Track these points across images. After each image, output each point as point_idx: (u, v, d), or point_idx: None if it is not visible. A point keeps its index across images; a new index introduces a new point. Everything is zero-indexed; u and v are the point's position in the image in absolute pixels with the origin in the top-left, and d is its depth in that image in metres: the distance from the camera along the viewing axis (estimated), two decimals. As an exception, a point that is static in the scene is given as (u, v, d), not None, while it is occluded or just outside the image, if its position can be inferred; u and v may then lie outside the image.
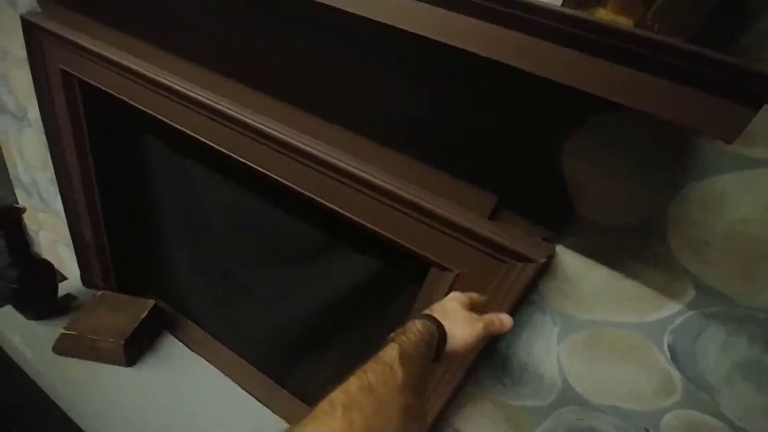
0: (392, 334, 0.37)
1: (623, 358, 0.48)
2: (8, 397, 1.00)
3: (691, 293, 0.41)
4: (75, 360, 0.94)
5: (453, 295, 0.44)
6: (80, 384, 0.91)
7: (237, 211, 0.85)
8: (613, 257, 0.44)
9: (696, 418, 0.47)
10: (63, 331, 0.92)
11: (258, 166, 0.60)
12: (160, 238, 1.00)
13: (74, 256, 1.06)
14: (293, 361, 0.97)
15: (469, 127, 0.43)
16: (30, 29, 0.74)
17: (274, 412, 0.96)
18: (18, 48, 0.89)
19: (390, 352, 0.32)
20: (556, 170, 0.42)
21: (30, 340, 0.95)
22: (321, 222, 0.73)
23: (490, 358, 0.57)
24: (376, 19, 0.31)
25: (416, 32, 0.30)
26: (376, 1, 0.31)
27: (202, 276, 1.00)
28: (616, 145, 0.39)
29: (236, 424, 0.91)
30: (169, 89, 0.63)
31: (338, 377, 0.29)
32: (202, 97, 0.60)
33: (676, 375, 0.46)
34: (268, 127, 0.55)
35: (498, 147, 0.43)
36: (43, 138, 0.97)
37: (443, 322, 0.40)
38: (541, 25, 0.25)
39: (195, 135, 0.66)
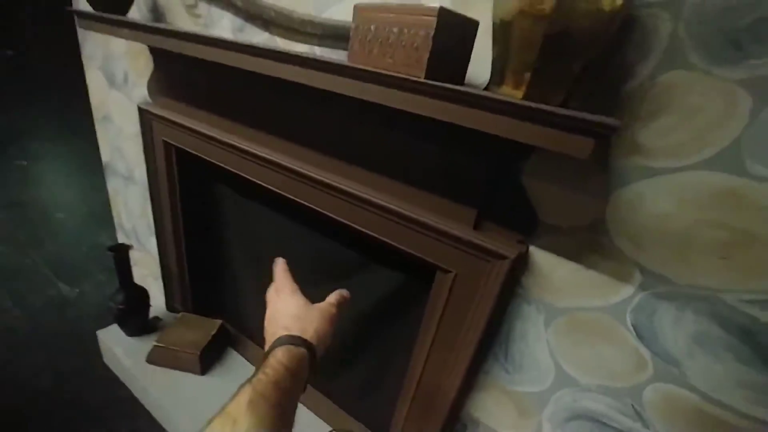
0: (253, 373, 0.37)
1: (600, 339, 0.57)
2: (103, 400, 1.22)
3: (638, 278, 0.52)
4: (162, 368, 1.15)
5: (287, 288, 0.50)
6: (165, 388, 1.11)
7: (287, 241, 1.04)
8: (573, 252, 0.55)
9: (671, 391, 0.54)
10: (155, 344, 1.14)
11: (304, 201, 0.79)
12: (227, 269, 1.23)
13: (160, 286, 1.31)
14: (334, 370, 1.11)
15: (455, 164, 0.58)
16: (143, 114, 1.02)
17: (316, 415, 1.09)
18: (129, 127, 1.20)
19: (239, 400, 0.33)
20: (519, 188, 0.56)
21: (129, 352, 1.19)
22: (353, 244, 0.90)
23: (493, 347, 0.68)
24: (388, 104, 0.49)
25: (412, 111, 0.46)
26: (381, 91, 0.49)
27: (258, 299, 1.20)
28: (559, 166, 0.53)
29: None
30: (238, 149, 0.86)
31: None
32: (263, 153, 0.81)
33: (645, 351, 0.54)
34: (309, 172, 0.74)
35: (475, 175, 0.58)
36: (144, 193, 1.26)
37: (305, 335, 0.42)
38: (481, 102, 0.41)
39: (258, 182, 0.87)
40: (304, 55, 0.51)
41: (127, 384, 1.23)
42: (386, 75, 0.43)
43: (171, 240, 1.19)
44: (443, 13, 0.40)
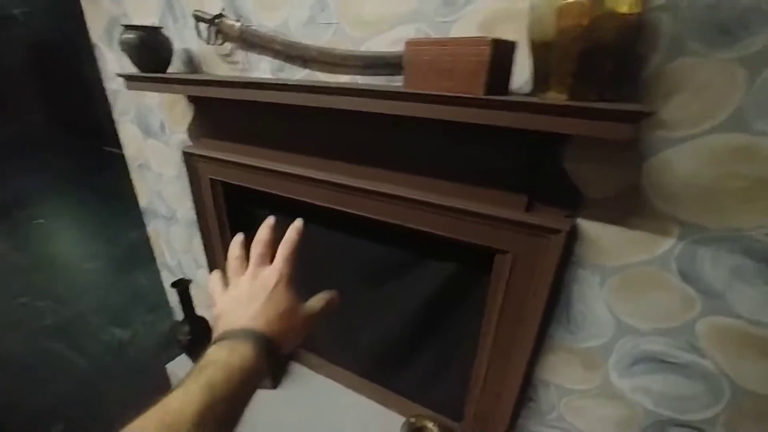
0: (211, 356, 0.35)
1: (651, 288, 0.67)
2: None
3: (677, 230, 0.61)
4: (235, 390, 1.23)
5: (285, 279, 0.45)
6: (244, 406, 1.19)
7: (336, 254, 1.13)
8: (617, 218, 0.65)
9: (719, 321, 0.64)
10: (226, 367, 1.22)
11: (359, 212, 0.88)
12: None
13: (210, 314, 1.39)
14: (393, 365, 1.20)
15: (504, 159, 0.68)
16: (188, 156, 1.11)
17: (386, 407, 1.18)
18: (169, 171, 1.29)
19: (189, 408, 0.30)
20: (561, 170, 0.66)
21: (202, 379, 1.26)
22: (404, 246, 0.99)
23: (555, 313, 0.77)
24: (442, 118, 0.58)
25: (479, 122, 0.55)
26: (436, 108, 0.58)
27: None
28: (596, 147, 0.62)
29: (357, 420, 1.14)
30: (285, 174, 0.94)
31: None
32: (314, 174, 0.90)
33: (691, 291, 0.64)
34: (367, 185, 0.83)
35: (522, 166, 0.67)
36: (188, 230, 1.35)
37: (278, 339, 0.39)
38: (531, 107, 0.50)
39: (309, 201, 0.96)
40: (377, 88, 0.60)
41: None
42: (453, 96, 0.52)
43: (223, 268, 1.27)
44: (494, 42, 0.49)
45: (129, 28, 0.91)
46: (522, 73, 0.61)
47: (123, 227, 2.65)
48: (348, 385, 1.25)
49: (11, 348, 1.59)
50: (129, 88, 0.97)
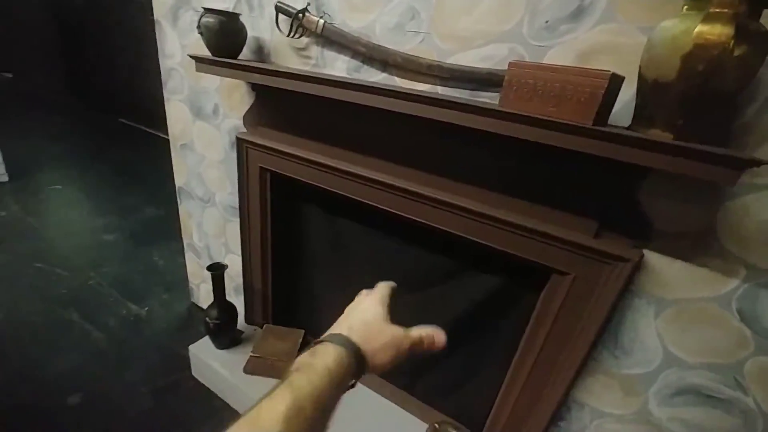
0: (296, 363, 0.35)
1: (706, 324, 0.69)
2: (200, 412, 1.29)
3: (743, 272, 0.64)
4: (257, 377, 1.24)
5: (378, 295, 0.46)
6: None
7: (376, 254, 1.14)
8: (685, 254, 0.67)
9: (769, 363, 0.66)
10: (251, 354, 1.23)
11: (416, 218, 0.90)
12: (311, 282, 1.32)
13: (235, 300, 1.39)
14: (418, 371, 1.21)
15: (581, 184, 0.70)
16: (242, 143, 1.12)
17: (407, 411, 1.19)
18: (213, 154, 1.29)
19: (275, 407, 0.29)
20: (635, 201, 0.68)
21: (225, 364, 1.27)
22: (447, 253, 1.01)
23: (603, 337, 0.80)
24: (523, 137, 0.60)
25: (579, 150, 0.58)
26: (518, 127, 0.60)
27: (338, 311, 1.29)
28: (677, 184, 0.65)
29: (377, 421, 1.15)
30: (327, 167, 0.97)
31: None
32: (378, 177, 0.91)
33: (747, 332, 0.66)
34: (433, 194, 0.85)
35: (598, 193, 0.69)
36: (223, 214, 1.35)
37: (364, 348, 0.39)
38: (628, 140, 0.52)
39: (350, 196, 0.97)
40: (474, 103, 0.62)
41: (220, 394, 1.31)
42: (563, 123, 0.54)
43: (258, 258, 1.28)
44: (613, 76, 0.52)
45: (210, 11, 0.92)
46: (616, 104, 0.63)
47: (139, 202, 2.65)
48: (369, 386, 1.26)
49: (28, 313, 1.58)
50: (198, 69, 0.98)
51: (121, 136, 4.22)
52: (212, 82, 1.17)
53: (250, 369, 1.24)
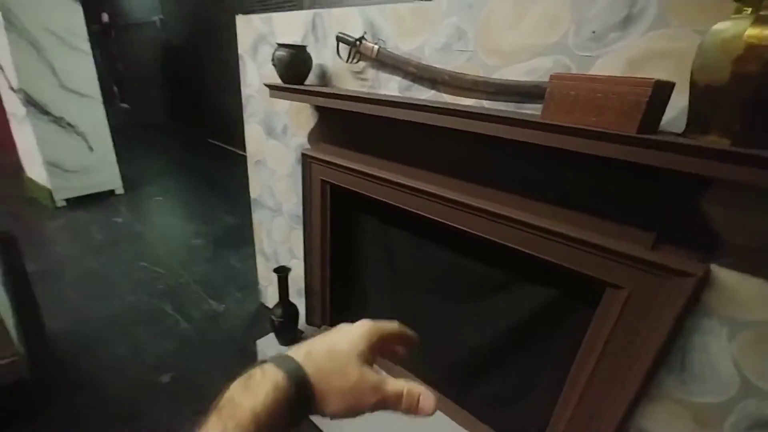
0: (224, 397, 0.29)
1: (793, 352, 0.61)
2: None
3: (839, 293, 0.56)
4: (315, 375, 1.33)
5: (366, 329, 0.35)
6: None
7: (424, 259, 1.18)
8: (764, 270, 0.61)
9: None
10: (310, 352, 1.33)
11: (468, 229, 0.92)
12: (364, 287, 1.40)
13: (297, 302, 1.52)
14: (469, 382, 1.20)
15: (636, 193, 0.68)
16: (306, 158, 1.24)
17: (455, 422, 1.19)
18: (282, 169, 1.44)
19: None
20: (697, 212, 0.64)
21: (287, 359, 1.39)
22: (498, 264, 1.01)
23: (667, 359, 0.74)
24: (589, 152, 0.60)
25: (626, 159, 0.58)
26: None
27: (388, 314, 1.34)
28: (747, 193, 0.59)
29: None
30: (382, 179, 1.03)
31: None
32: (407, 182, 0.96)
33: None
34: (484, 205, 0.87)
35: (654, 202, 0.66)
36: (289, 223, 1.49)
37: (316, 383, 0.31)
38: (673, 147, 0.51)
39: (403, 207, 1.02)
40: (519, 116, 0.64)
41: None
42: (605, 133, 0.55)
43: (318, 262, 1.39)
44: (656, 84, 0.51)
45: (282, 46, 1.06)
46: (671, 111, 0.61)
47: (221, 212, 3.00)
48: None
49: (132, 303, 1.88)
50: (272, 96, 1.12)
51: (209, 154, 4.81)
52: (282, 106, 1.33)
53: (309, 366, 1.33)
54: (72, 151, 2.83)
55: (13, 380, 1.24)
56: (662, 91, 0.53)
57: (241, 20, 1.38)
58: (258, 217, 1.69)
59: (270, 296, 1.85)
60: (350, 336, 0.35)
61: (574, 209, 0.75)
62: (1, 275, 1.44)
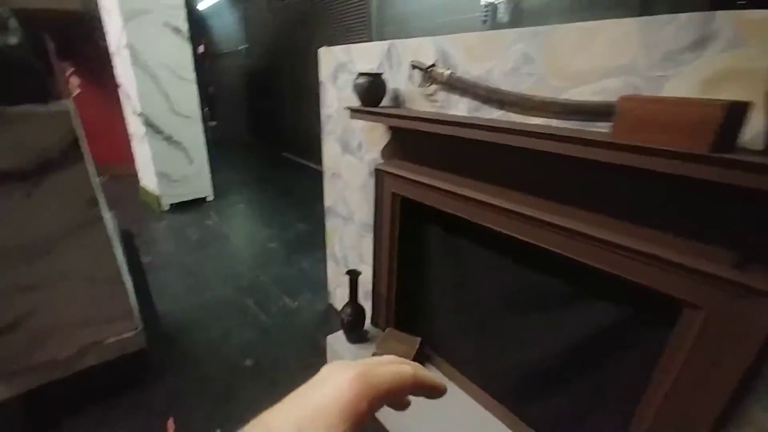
0: None
1: None
2: None
3: None
4: (379, 373, 1.43)
5: (343, 400, 0.24)
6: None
7: (488, 271, 1.22)
8: None
9: None
10: (374, 351, 1.43)
11: (537, 242, 0.96)
12: (429, 295, 1.47)
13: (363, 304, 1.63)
14: (532, 396, 1.21)
15: (717, 209, 0.68)
16: (379, 172, 1.37)
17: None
18: (356, 181, 1.59)
19: None
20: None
21: (353, 356, 1.51)
22: (567, 278, 1.02)
23: (755, 387, 0.70)
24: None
25: (702, 177, 0.60)
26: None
27: (452, 323, 1.40)
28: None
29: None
30: (450, 192, 1.09)
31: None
32: (474, 195, 1.02)
33: None
34: (557, 221, 0.91)
35: (739, 218, 0.66)
36: (359, 230, 1.62)
37: None
38: (753, 167, 0.52)
39: (470, 219, 1.08)
40: (590, 136, 0.69)
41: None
42: (670, 151, 0.57)
43: (385, 269, 1.50)
44: (727, 107, 0.53)
45: (362, 74, 1.20)
46: (753, 129, 0.61)
47: (293, 219, 3.28)
48: (480, 402, 1.31)
49: (221, 296, 2.16)
50: (352, 117, 1.27)
51: (283, 166, 5.27)
52: (358, 124, 1.48)
53: (374, 364, 1.43)
54: (177, 163, 3.33)
55: (136, 349, 1.52)
56: (736, 111, 0.55)
57: (323, 51, 1.57)
58: (331, 224, 1.86)
59: (338, 298, 2.00)
60: (328, 410, 0.23)
61: (651, 227, 0.76)
62: (126, 264, 1.78)
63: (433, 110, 1.16)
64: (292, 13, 4.94)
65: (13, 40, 1.21)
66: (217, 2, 6.48)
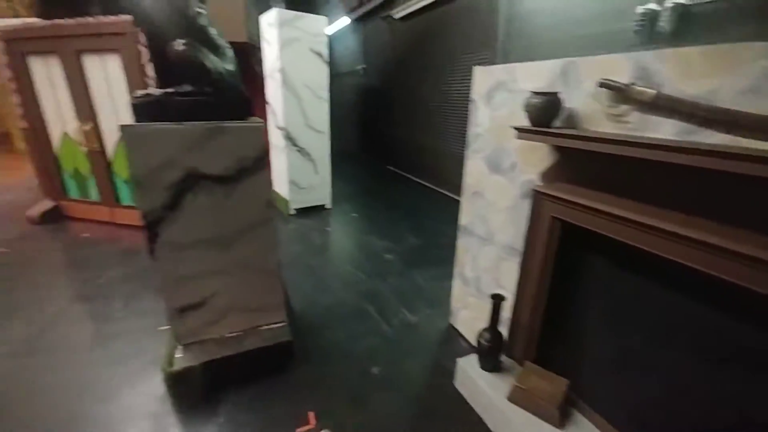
0: None
1: None
2: (455, 417, 1.48)
3: None
4: (519, 409, 1.33)
5: None
6: (527, 428, 1.27)
7: (664, 310, 1.05)
8: None
9: None
10: (516, 384, 1.34)
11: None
12: (580, 329, 1.33)
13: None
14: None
15: None
16: (538, 194, 1.30)
17: None
18: (502, 202, 1.54)
19: None
20: None
21: (490, 385, 1.43)
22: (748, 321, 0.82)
23: None
24: None
25: None
26: None
27: (616, 368, 1.23)
28: None
29: None
30: (628, 220, 0.96)
31: None
32: (660, 224, 0.87)
33: None
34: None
35: None
36: (499, 253, 1.56)
37: None
38: None
39: (649, 250, 0.93)
40: None
41: (479, 411, 1.48)
42: None
43: (531, 296, 1.40)
44: None
45: (537, 93, 1.17)
46: None
47: (404, 233, 3.35)
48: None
49: (343, 299, 2.28)
50: (519, 137, 1.23)
51: (389, 178, 5.48)
52: (513, 144, 1.44)
53: (514, 398, 1.34)
54: (305, 173, 3.69)
55: (284, 340, 1.67)
56: None
57: (479, 70, 1.58)
58: (464, 243, 1.83)
59: (461, 319, 1.95)
60: None
61: None
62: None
63: (623, 132, 1.06)
64: (409, 34, 5.19)
65: (230, 66, 1.48)
66: (341, 28, 7.15)
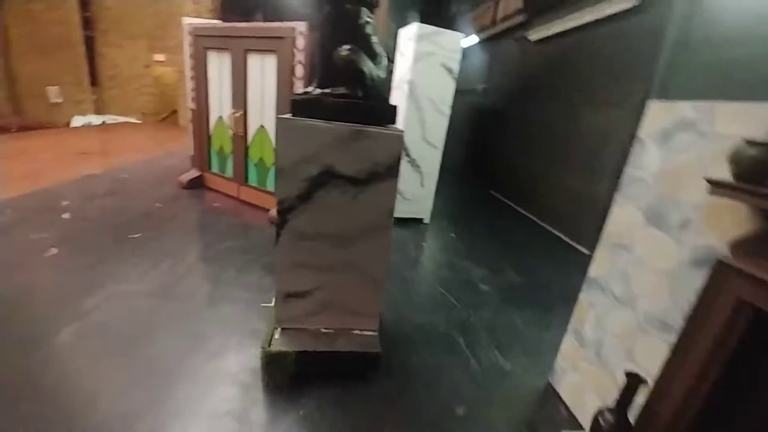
0: None
1: None
2: None
3: None
4: None
5: None
6: None
7: None
8: None
9: None
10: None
11: None
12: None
13: (593, 403, 1.27)
14: None
15: None
16: (724, 267, 1.03)
17: None
18: (659, 263, 1.27)
19: None
20: None
21: (603, 478, 1.18)
22: None
23: None
24: None
25: None
26: None
27: None
28: None
29: None
30: None
31: None
32: None
33: None
34: None
35: None
36: (631, 321, 1.29)
37: None
38: None
39: None
40: None
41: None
42: None
43: (681, 392, 1.12)
44: None
45: (754, 143, 0.92)
46: None
47: (504, 265, 3.10)
48: None
49: (432, 321, 2.17)
50: (713, 193, 0.99)
51: (491, 204, 5.22)
52: (692, 198, 1.18)
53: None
54: (412, 183, 3.70)
55: (373, 351, 1.64)
56: None
57: (656, 105, 1.34)
58: (590, 297, 1.58)
59: (566, 382, 1.69)
60: None
61: None
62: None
63: None
64: (541, 58, 4.89)
65: (383, 74, 1.51)
66: (468, 46, 7.12)
